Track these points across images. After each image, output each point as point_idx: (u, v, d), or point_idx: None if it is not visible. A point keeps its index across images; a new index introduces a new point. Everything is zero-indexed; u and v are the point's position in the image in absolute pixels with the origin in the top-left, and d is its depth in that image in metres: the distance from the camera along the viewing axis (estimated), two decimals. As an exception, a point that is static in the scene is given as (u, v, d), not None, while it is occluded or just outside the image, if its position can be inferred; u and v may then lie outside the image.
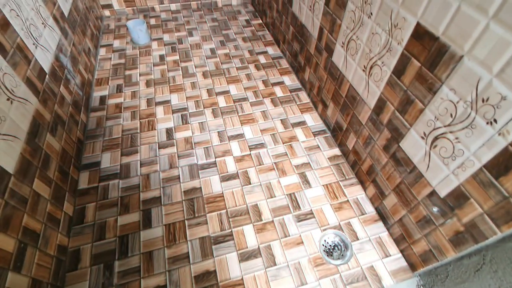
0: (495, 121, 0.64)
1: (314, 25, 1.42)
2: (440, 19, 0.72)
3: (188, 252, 1.08)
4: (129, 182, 1.28)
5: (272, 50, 2.05)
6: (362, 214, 1.21)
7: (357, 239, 1.13)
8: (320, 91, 1.51)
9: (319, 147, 1.45)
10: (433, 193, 0.88)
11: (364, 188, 1.28)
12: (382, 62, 0.98)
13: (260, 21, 2.34)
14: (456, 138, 0.75)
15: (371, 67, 1.04)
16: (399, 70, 0.91)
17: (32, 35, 1.18)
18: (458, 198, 0.79)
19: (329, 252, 1.11)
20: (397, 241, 1.11)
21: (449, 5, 0.69)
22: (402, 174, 1.00)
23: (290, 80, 1.81)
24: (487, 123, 0.66)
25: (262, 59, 1.97)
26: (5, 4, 1.04)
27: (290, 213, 1.20)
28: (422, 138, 0.87)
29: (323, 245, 1.12)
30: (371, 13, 0.98)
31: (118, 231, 1.13)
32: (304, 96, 1.71)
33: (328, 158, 1.40)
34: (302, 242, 1.12)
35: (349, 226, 1.17)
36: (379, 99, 1.04)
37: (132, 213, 1.18)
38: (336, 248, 1.13)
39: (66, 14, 1.59)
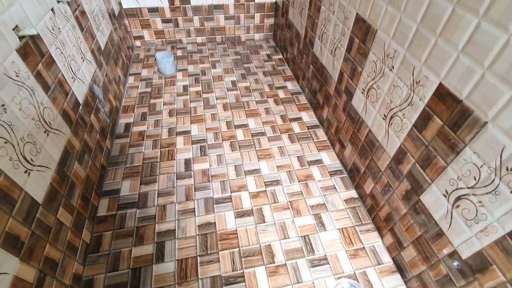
0: (393, 67, 0.64)
1: (334, 68, 1.47)
2: (464, 83, 0.74)
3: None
4: (146, 212, 1.31)
5: (291, 85, 2.11)
6: (379, 264, 1.16)
7: (373, 291, 1.09)
8: (338, 131, 1.53)
9: (335, 187, 1.44)
10: (454, 253, 0.85)
11: (381, 236, 1.24)
12: (403, 114, 0.99)
13: (281, 56, 2.43)
14: (480, 202, 0.74)
15: (391, 117, 1.06)
16: (420, 125, 0.92)
17: (71, 69, 1.28)
18: (480, 262, 0.76)
19: (343, 303, 1.07)
20: (416, 298, 1.06)
21: (473, 72, 0.71)
22: (422, 228, 0.97)
23: (308, 117, 1.84)
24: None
25: (281, 94, 2.02)
26: (51, 43, 1.14)
27: (303, 257, 1.18)
28: (444, 196, 0.85)
29: (337, 295, 1.08)
30: (393, 67, 1.01)
31: (132, 263, 1.14)
32: (321, 134, 1.72)
33: (344, 200, 1.38)
34: (315, 290, 1.09)
35: (364, 276, 1.13)
36: (399, 149, 1.04)
37: (146, 245, 1.19)
38: (350, 299, 1.08)
39: (102, 47, 1.72)
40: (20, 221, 0.81)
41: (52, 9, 1.18)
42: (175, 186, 1.42)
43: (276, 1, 2.39)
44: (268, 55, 2.44)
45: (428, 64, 0.84)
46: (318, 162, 1.56)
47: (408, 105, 0.95)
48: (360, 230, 1.27)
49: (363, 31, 1.13)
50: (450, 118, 0.80)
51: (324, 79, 1.61)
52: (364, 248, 1.21)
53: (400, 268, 1.14)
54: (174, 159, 1.54)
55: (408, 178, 1.01)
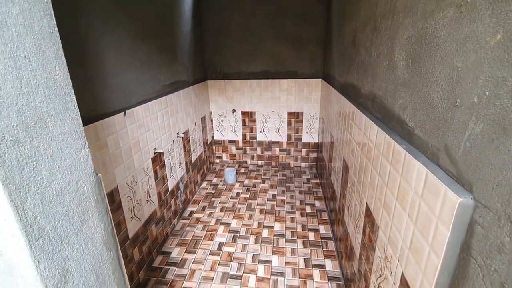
0: (391, 272, 0.97)
1: (338, 191, 1.98)
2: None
3: (194, 337, 1.41)
4: (181, 272, 1.83)
5: (318, 204, 2.59)
6: None
7: None
8: (341, 242, 1.86)
9: (329, 290, 1.67)
10: None
11: None
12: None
13: (318, 181, 3.04)
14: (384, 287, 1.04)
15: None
16: (363, 231, 1.31)
17: (171, 171, 2.22)
18: None
19: None
20: None
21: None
22: (370, 322, 1.18)
23: (325, 230, 2.22)
24: (390, 274, 0.98)
25: (308, 209, 2.52)
26: (167, 157, 2.13)
27: (282, 337, 1.40)
28: None
29: None
30: (354, 191, 1.50)
31: (160, 303, 1.60)
32: (331, 245, 2.05)
33: (334, 303, 1.59)
34: None
35: None
36: (360, 253, 1.38)
37: (173, 293, 1.66)
38: None
39: (193, 161, 2.75)
40: (121, 241, 1.51)
41: (173, 140, 2.25)
42: (206, 259, 1.93)
43: (318, 142, 3.23)
44: (308, 179, 3.09)
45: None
46: (320, 266, 1.85)
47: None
48: (340, 331, 1.43)
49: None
50: None
51: (334, 199, 2.10)
52: None
53: None
54: (212, 240, 2.11)
55: None
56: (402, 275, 0.88)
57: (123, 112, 1.54)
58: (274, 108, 3.21)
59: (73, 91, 0.66)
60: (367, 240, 1.25)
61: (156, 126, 1.94)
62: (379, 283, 1.08)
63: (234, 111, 3.30)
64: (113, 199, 1.45)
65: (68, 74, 0.65)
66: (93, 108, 1.32)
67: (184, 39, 2.49)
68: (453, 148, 0.67)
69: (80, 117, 0.69)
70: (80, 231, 0.69)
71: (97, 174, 0.76)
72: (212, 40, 3.04)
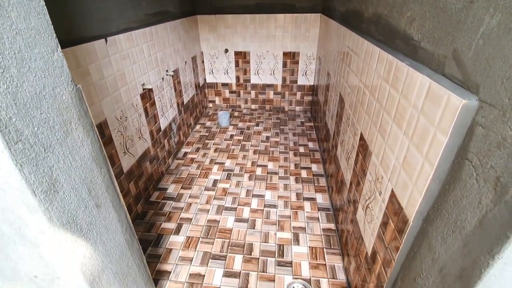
0: (380, 192, 1.00)
1: (331, 129, 1.97)
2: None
3: (193, 258, 1.52)
4: (178, 205, 1.90)
5: (312, 145, 2.62)
6: (333, 278, 1.41)
7: (320, 294, 1.34)
8: (332, 178, 1.92)
9: (318, 219, 1.77)
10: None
11: (343, 260, 1.50)
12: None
13: (312, 124, 3.03)
14: (371, 207, 1.09)
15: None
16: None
17: (162, 110, 2.15)
18: (373, 253, 1.05)
19: (293, 296, 1.35)
20: (354, 308, 1.26)
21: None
22: (359, 246, 1.27)
23: (317, 168, 2.28)
24: (379, 194, 1.01)
25: (301, 149, 2.55)
26: (157, 94, 2.04)
27: (274, 257, 1.52)
28: (363, 209, 1.20)
29: (290, 289, 1.37)
30: (349, 124, 1.49)
31: (159, 231, 1.69)
32: (323, 181, 2.12)
33: (323, 229, 1.70)
34: (274, 280, 1.40)
35: (317, 283, 1.39)
36: (350, 181, 1.42)
37: (171, 223, 1.75)
38: (300, 295, 1.35)
39: (185, 102, 2.67)
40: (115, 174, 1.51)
41: (162, 78, 2.13)
42: (202, 194, 2.00)
43: (314, 84, 3.13)
44: (302, 122, 3.08)
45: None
46: (312, 199, 1.94)
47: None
48: (327, 252, 1.55)
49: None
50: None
51: (328, 138, 2.11)
52: (325, 264, 1.48)
53: (349, 287, 1.36)
54: (207, 178, 2.16)
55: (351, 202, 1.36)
56: (392, 192, 0.90)
57: (104, 39, 1.41)
58: (269, 48, 3.02)
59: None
60: (359, 168, 1.27)
61: (143, 60, 1.81)
62: (368, 204, 1.13)
63: (226, 51, 3.10)
64: (103, 132, 1.41)
65: (24, -47, 0.54)
66: (69, 29, 1.18)
67: (168, -39, 2.19)
68: (462, 51, 0.62)
69: (48, 15, 0.60)
70: (65, 143, 0.66)
71: (76, 85, 0.69)
72: (200, -34, 2.70)
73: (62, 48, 1.14)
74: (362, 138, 1.25)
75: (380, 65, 1.06)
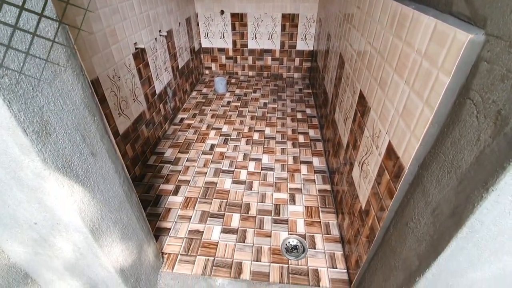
0: (378, 146, 1.00)
1: (330, 92, 1.94)
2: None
3: (191, 216, 1.56)
4: (176, 168, 1.91)
5: (310, 111, 2.60)
6: (327, 234, 1.47)
7: (315, 248, 1.40)
8: (328, 142, 1.93)
9: (314, 181, 1.80)
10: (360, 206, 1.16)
11: (337, 218, 1.54)
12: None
13: (310, 91, 2.98)
14: (368, 162, 1.09)
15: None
16: (353, 120, 1.32)
17: (157, 73, 2.08)
18: (366, 206, 1.08)
19: (288, 250, 1.40)
20: (347, 262, 1.32)
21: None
22: (353, 202, 1.30)
23: (314, 133, 2.28)
24: (376, 148, 1.02)
25: (299, 115, 2.53)
26: (150, 55, 1.96)
27: (270, 215, 1.57)
28: (358, 165, 1.21)
29: (286, 244, 1.43)
30: (348, 84, 1.46)
31: (158, 192, 1.72)
32: (320, 145, 2.13)
33: (318, 190, 1.73)
34: (270, 236, 1.45)
35: (312, 238, 1.45)
36: (347, 141, 1.42)
37: (169, 185, 1.77)
38: (295, 249, 1.41)
39: (180, 67, 2.58)
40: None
41: (155, 38, 2.04)
42: (199, 157, 2.00)
43: (313, 49, 3.03)
44: (300, 89, 3.02)
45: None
46: (308, 163, 1.96)
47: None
48: (322, 210, 1.60)
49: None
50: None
51: (326, 103, 2.08)
52: (320, 222, 1.53)
53: (343, 240, 1.42)
54: (204, 143, 2.16)
55: (347, 163, 1.37)
56: (389, 143, 0.90)
57: (90, -10, 1.32)
58: (267, 9, 2.87)
59: None
60: (357, 127, 1.27)
61: (134, 17, 1.72)
62: (364, 160, 1.14)
63: (222, 12, 2.95)
64: (96, 91, 1.37)
65: None
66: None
67: None
68: (473, -17, 0.58)
69: None
70: (54, 84, 0.63)
71: (63, 23, 0.65)
72: None
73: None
74: (361, 95, 1.23)
75: (383, 15, 1.01)
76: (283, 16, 2.90)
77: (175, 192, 1.72)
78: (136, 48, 1.75)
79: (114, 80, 1.52)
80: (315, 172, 1.88)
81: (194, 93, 2.94)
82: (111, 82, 1.50)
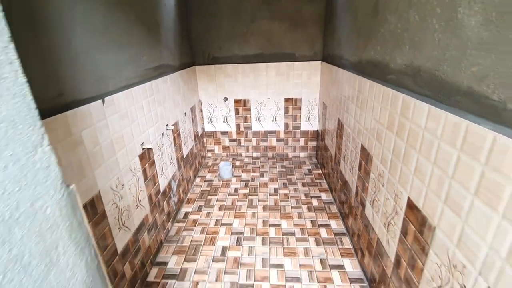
0: (465, 286, 0.77)
1: (352, 183, 1.78)
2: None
3: None
4: (181, 285, 1.57)
5: (325, 196, 2.40)
6: None
7: None
8: (359, 239, 1.68)
9: (353, 294, 1.48)
10: None
11: None
12: (394, 222, 1.20)
13: (320, 171, 2.84)
14: (447, 301, 0.84)
15: (388, 224, 1.26)
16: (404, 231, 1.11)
17: (162, 168, 1.92)
18: None
19: None
20: None
21: (422, 188, 0.98)
22: (420, 337, 0.99)
23: (336, 225, 2.03)
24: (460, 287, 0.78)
25: (315, 202, 2.32)
26: (156, 153, 1.83)
27: None
28: (426, 297, 0.95)
29: None
30: (383, 183, 1.30)
31: (160, 326, 1.35)
32: (347, 241, 1.86)
33: (361, 309, 1.40)
34: None
35: None
36: (396, 254, 1.19)
37: (175, 313, 1.41)
38: None
39: (185, 155, 2.46)
40: (105, 261, 1.22)
41: (162, 133, 1.95)
42: (210, 267, 1.69)
43: (318, 130, 3.02)
44: (309, 170, 2.89)
45: (401, 182, 1.13)
46: (339, 267, 1.66)
47: (395, 214, 1.18)
48: None
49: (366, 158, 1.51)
50: (417, 224, 1.01)
51: (348, 191, 1.91)
52: None
53: None
54: (214, 245, 1.86)
55: (405, 283, 1.11)
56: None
57: (101, 100, 1.23)
58: (270, 95, 2.95)
59: (12, 46, 0.37)
60: (411, 242, 1.05)
61: (142, 117, 1.64)
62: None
63: (226, 99, 3.00)
64: (95, 209, 1.16)
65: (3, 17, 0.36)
66: (60, 92, 1.00)
67: (168, 16, 2.15)
68: None
69: (30, 95, 0.41)
70: (45, 282, 0.42)
71: (68, 186, 0.48)
72: (199, 20, 2.71)
73: (48, 116, 0.94)
74: (412, 205, 1.05)
75: (432, 122, 0.91)
76: (286, 100, 2.97)
77: (183, 324, 1.36)
78: (142, 149, 1.62)
79: (117, 190, 1.33)
80: (351, 281, 1.57)
81: (198, 180, 2.76)
82: (114, 193, 1.30)
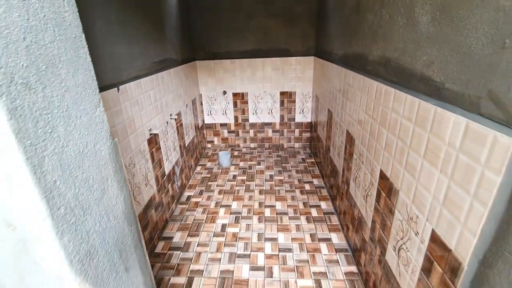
0: (418, 232, 0.96)
1: (340, 165, 1.97)
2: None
3: (209, 317, 1.36)
4: (186, 255, 1.76)
5: (317, 181, 2.60)
6: (366, 330, 1.29)
7: None
8: (345, 216, 1.87)
9: (338, 261, 1.68)
10: (408, 303, 1.05)
11: (373, 307, 1.39)
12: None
13: (313, 160, 3.04)
14: (407, 248, 1.04)
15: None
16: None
17: (167, 154, 2.11)
18: None
19: None
20: None
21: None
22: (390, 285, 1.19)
23: (326, 205, 2.23)
24: (415, 234, 0.98)
25: (307, 187, 2.51)
26: (162, 139, 2.01)
27: (298, 310, 1.39)
28: (393, 249, 1.15)
29: None
30: (363, 161, 1.49)
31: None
32: (335, 219, 2.06)
33: (345, 273, 1.60)
34: (302, 338, 1.26)
35: (350, 337, 1.27)
36: (372, 221, 1.38)
37: (181, 277, 1.60)
38: None
39: (186, 144, 2.64)
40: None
41: (167, 122, 2.13)
42: (211, 241, 1.88)
43: (311, 121, 3.21)
44: (303, 159, 3.08)
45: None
46: (327, 240, 1.86)
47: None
48: (354, 299, 1.44)
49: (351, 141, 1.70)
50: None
51: (336, 176, 2.10)
52: (354, 314, 1.37)
53: (386, 337, 1.24)
54: (215, 223, 2.05)
55: (379, 243, 1.31)
56: (433, 231, 0.87)
57: (116, 88, 1.41)
58: (267, 89, 3.13)
59: (84, 36, 0.56)
60: (383, 206, 1.24)
61: (150, 106, 1.82)
62: (400, 245, 1.08)
63: (225, 92, 3.18)
64: (113, 182, 1.34)
65: (78, 14, 0.54)
66: (86, 80, 1.18)
67: (171, 13, 2.32)
68: (501, 93, 0.65)
69: (93, 68, 0.59)
70: (101, 202, 0.61)
71: (113, 139, 0.66)
72: (200, 17, 2.88)
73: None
74: (383, 175, 1.24)
75: (397, 104, 1.09)
76: (281, 93, 3.15)
77: (188, 286, 1.54)
78: (150, 134, 1.80)
79: (129, 168, 1.51)
80: (337, 250, 1.76)
81: (198, 168, 2.94)
82: (127, 171, 1.48)
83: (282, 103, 3.19)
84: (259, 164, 2.99)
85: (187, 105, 2.66)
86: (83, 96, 0.55)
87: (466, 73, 0.75)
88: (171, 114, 2.20)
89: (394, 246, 1.15)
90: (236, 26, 2.88)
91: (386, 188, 1.21)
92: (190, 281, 1.57)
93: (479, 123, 0.68)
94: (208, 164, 3.02)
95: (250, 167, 2.91)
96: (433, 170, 0.87)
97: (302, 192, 2.43)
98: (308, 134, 3.34)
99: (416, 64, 1.00)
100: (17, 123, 0.41)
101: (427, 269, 0.90)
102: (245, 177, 2.71)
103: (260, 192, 2.44)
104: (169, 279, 1.59)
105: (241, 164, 3.00)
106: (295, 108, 3.21)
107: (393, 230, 1.15)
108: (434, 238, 0.86)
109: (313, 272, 1.61)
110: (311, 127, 3.21)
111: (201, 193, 2.47)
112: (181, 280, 1.58)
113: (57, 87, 0.49)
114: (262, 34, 2.90)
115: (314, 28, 2.87)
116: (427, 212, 0.91)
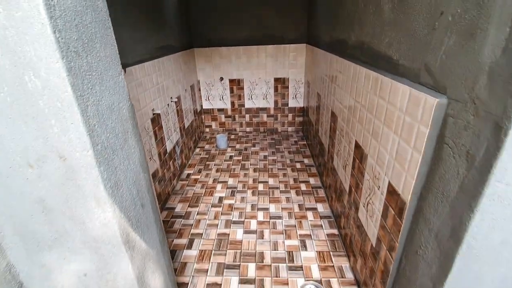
0: (379, 186, 1.16)
1: (326, 143, 2.17)
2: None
3: (208, 269, 1.58)
4: (187, 222, 1.97)
5: (307, 161, 2.80)
6: (342, 278, 1.51)
7: (332, 293, 1.43)
8: (330, 188, 2.08)
9: (322, 226, 1.89)
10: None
11: (349, 261, 1.61)
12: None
13: (305, 142, 3.23)
14: (372, 202, 1.24)
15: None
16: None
17: (168, 133, 2.29)
18: (378, 243, 1.19)
19: (307, 297, 1.43)
20: (365, 302, 1.36)
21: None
22: (363, 241, 1.40)
23: (314, 181, 2.44)
24: (378, 188, 1.18)
25: (298, 166, 2.71)
26: (163, 119, 2.19)
27: (285, 263, 1.61)
28: (364, 206, 1.35)
29: (303, 290, 1.46)
30: (343, 135, 1.69)
31: (172, 247, 1.75)
32: (322, 192, 2.27)
33: (327, 235, 1.82)
34: (287, 284, 1.48)
35: (328, 283, 1.49)
36: (350, 186, 1.58)
37: (182, 239, 1.81)
38: (313, 295, 1.43)
39: (186, 126, 2.82)
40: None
41: (167, 104, 2.30)
42: (209, 210, 2.09)
43: (303, 106, 3.39)
44: (295, 141, 3.28)
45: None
46: (313, 209, 2.07)
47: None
48: (334, 254, 1.66)
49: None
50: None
51: (323, 154, 2.30)
52: (333, 266, 1.59)
53: (358, 283, 1.47)
54: (212, 196, 2.26)
55: (353, 205, 1.52)
56: (389, 183, 1.07)
57: (123, 69, 1.58)
58: (261, 75, 3.30)
59: (110, 19, 0.74)
60: (357, 171, 1.44)
61: (152, 88, 1.99)
62: (368, 201, 1.28)
63: (222, 79, 3.35)
64: (122, 152, 1.53)
65: (106, 2, 0.72)
66: (98, 61, 1.35)
67: (170, 1, 2.46)
68: (431, 64, 0.83)
69: (116, 45, 0.77)
70: (124, 148, 0.79)
71: (131, 102, 0.85)
72: (197, 5, 3.01)
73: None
74: (357, 145, 1.44)
75: (367, 81, 1.28)
76: (275, 79, 3.32)
77: (189, 246, 1.76)
78: (153, 114, 1.98)
79: (136, 142, 1.69)
80: (321, 217, 1.98)
81: (197, 150, 3.13)
82: (134, 144, 1.67)
83: (276, 89, 3.37)
84: (254, 146, 3.18)
85: (186, 90, 2.83)
86: (110, 65, 0.73)
87: (412, 51, 0.94)
88: (171, 97, 2.38)
89: (363, 203, 1.35)
90: (231, 14, 3.02)
91: (359, 155, 1.41)
92: (191, 242, 1.79)
93: (418, 90, 0.87)
94: (206, 147, 3.22)
95: (245, 149, 3.11)
96: (389, 132, 1.06)
97: (293, 170, 2.63)
98: (300, 119, 3.53)
99: (381, 45, 1.18)
100: (72, 78, 0.59)
101: (385, 214, 1.11)
102: (240, 158, 2.91)
103: (255, 170, 2.65)
104: (172, 240, 1.81)
105: (238, 146, 3.20)
106: (288, 94, 3.39)
107: (363, 190, 1.36)
108: (389, 189, 1.07)
109: (299, 234, 1.83)
110: (303, 111, 3.39)
111: (200, 171, 2.67)
112: (183, 241, 1.80)
113: (94, 56, 0.67)
114: (256, 22, 3.04)
115: (306, 16, 3.01)
116: (385, 168, 1.10)
